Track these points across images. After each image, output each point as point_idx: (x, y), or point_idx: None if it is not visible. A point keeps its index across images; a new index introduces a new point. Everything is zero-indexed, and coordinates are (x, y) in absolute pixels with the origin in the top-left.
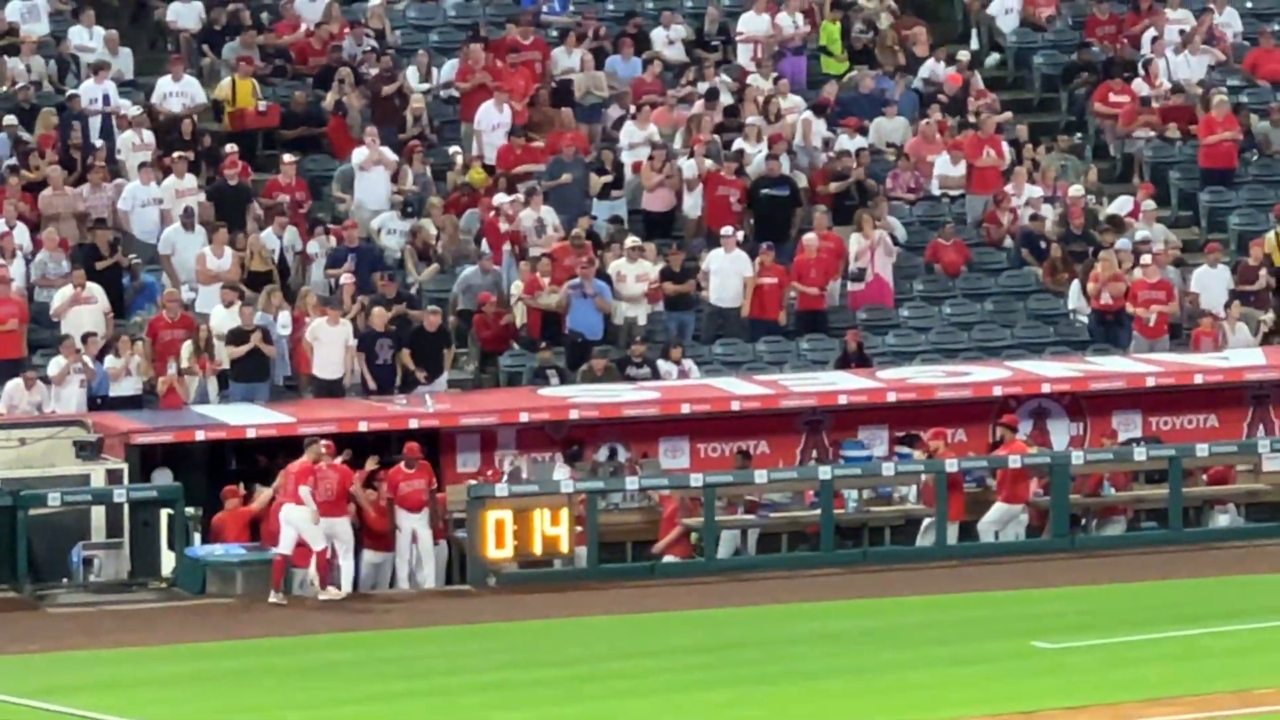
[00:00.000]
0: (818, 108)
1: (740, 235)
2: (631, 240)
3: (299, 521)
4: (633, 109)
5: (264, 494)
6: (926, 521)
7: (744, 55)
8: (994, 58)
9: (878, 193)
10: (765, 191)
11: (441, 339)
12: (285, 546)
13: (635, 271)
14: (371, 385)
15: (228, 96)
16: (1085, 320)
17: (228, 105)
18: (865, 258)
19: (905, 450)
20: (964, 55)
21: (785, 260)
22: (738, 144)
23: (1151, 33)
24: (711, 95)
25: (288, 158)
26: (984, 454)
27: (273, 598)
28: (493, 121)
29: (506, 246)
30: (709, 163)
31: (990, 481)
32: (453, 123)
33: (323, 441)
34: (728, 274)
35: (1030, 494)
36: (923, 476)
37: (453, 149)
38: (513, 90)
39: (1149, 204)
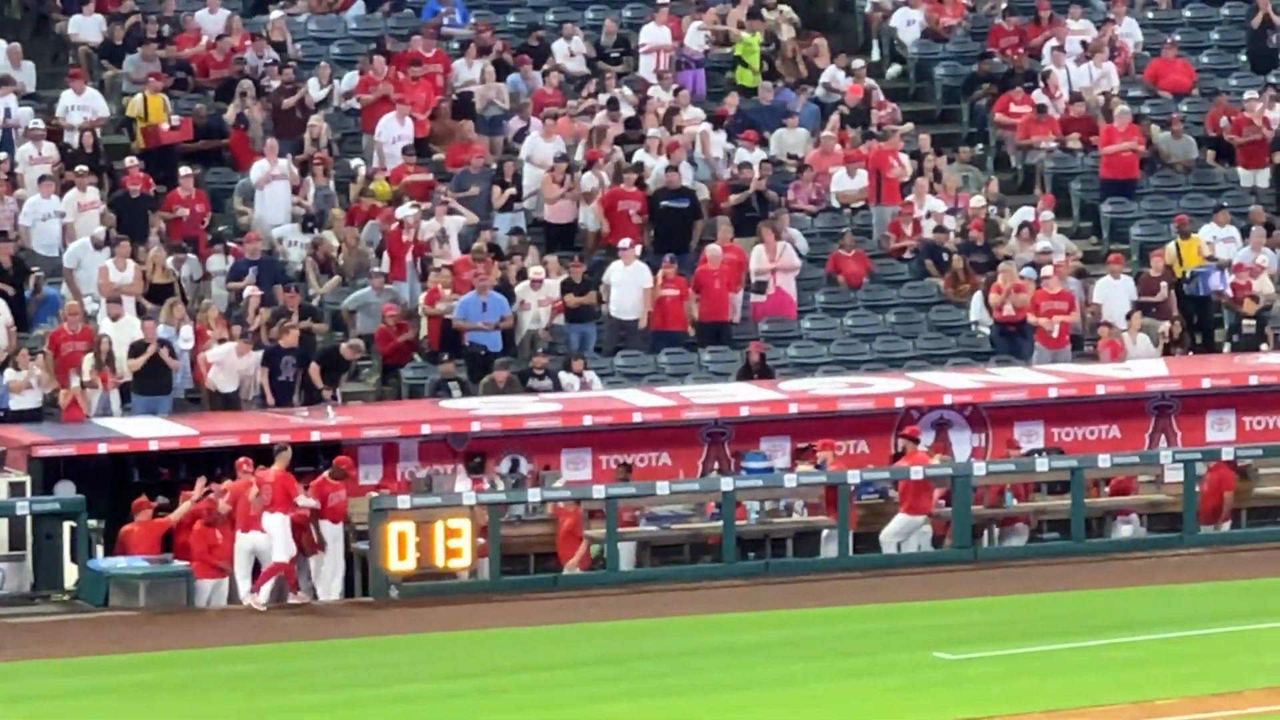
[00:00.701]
0: (718, 120)
1: (639, 248)
2: (535, 271)
3: (279, 530)
4: (535, 121)
5: (183, 506)
6: (825, 533)
7: (645, 67)
8: (895, 69)
9: (779, 204)
10: (665, 204)
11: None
12: (281, 554)
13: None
14: (270, 400)
15: (140, 113)
16: (987, 331)
17: (140, 121)
18: (766, 272)
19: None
20: (859, 64)
21: (687, 272)
22: (638, 156)
23: (1053, 43)
24: (612, 106)
25: (185, 171)
26: (886, 465)
27: (296, 598)
28: (393, 134)
29: (409, 259)
30: (606, 175)
31: (892, 493)
32: (354, 135)
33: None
34: (628, 286)
35: (932, 505)
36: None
37: (355, 161)
38: (414, 103)
39: (1049, 215)
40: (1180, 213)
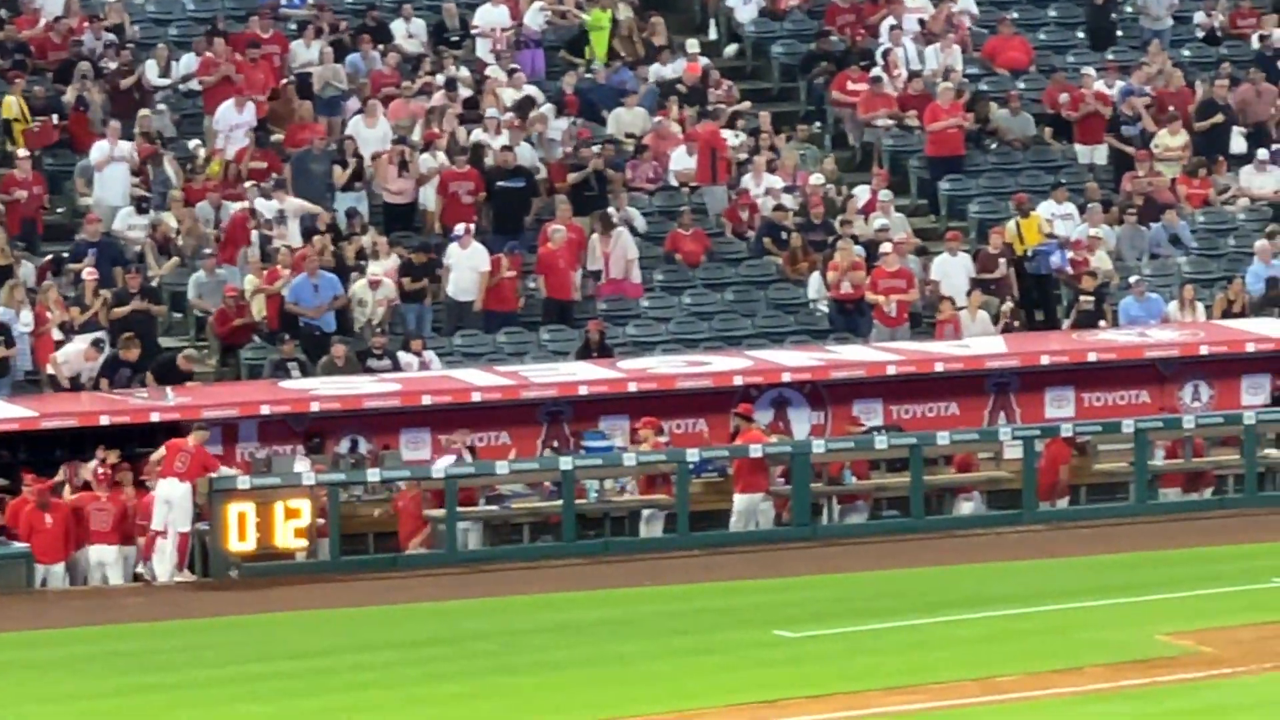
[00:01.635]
0: (556, 99)
1: (472, 228)
2: (372, 270)
3: (179, 500)
4: (369, 102)
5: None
6: (647, 512)
7: (482, 48)
8: (732, 48)
9: (617, 183)
10: (501, 184)
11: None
12: (182, 525)
13: (376, 267)
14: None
15: (16, 115)
16: (825, 309)
17: (18, 124)
18: (602, 260)
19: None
20: (694, 45)
21: (525, 251)
22: (476, 136)
23: (890, 21)
24: (449, 87)
25: (22, 153)
26: (725, 444)
27: (183, 576)
28: (232, 120)
29: (250, 240)
30: (444, 156)
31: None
32: (193, 116)
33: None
34: (464, 267)
35: (768, 483)
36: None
37: (193, 143)
38: (253, 84)
39: (886, 193)
40: (1018, 190)
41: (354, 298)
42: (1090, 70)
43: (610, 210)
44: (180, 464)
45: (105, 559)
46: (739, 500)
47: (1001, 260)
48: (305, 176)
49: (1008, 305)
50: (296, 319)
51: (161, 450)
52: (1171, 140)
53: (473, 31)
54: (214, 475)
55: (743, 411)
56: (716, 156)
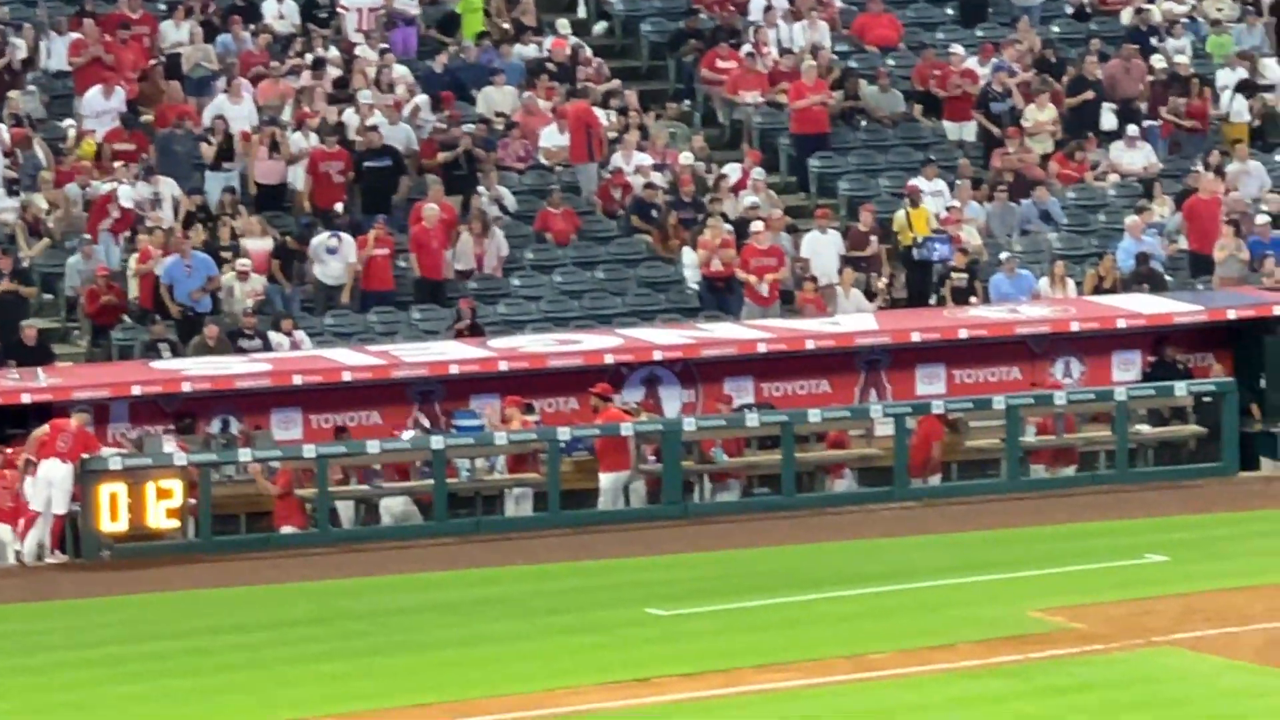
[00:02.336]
0: (427, 78)
1: (342, 207)
2: (241, 263)
3: (60, 480)
4: (234, 82)
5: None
6: (518, 491)
7: (350, 26)
8: (602, 25)
9: (487, 163)
10: (368, 164)
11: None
12: (60, 506)
13: (249, 245)
14: None
15: None
16: (696, 287)
17: None
18: (474, 259)
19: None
20: (564, 23)
21: (397, 230)
22: (346, 115)
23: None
24: (318, 66)
25: None
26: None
27: (55, 558)
28: (99, 106)
29: (110, 222)
30: (315, 137)
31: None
32: (63, 97)
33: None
34: (337, 246)
35: (632, 461)
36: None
37: (66, 122)
38: (123, 65)
39: (757, 171)
40: (888, 167)
41: (224, 287)
42: (959, 48)
43: (484, 205)
44: (63, 444)
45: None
46: (604, 479)
47: (872, 237)
48: (171, 157)
49: (883, 281)
50: (169, 299)
51: (44, 429)
52: (1041, 115)
53: (338, 10)
54: (91, 455)
55: (600, 391)
56: (591, 134)
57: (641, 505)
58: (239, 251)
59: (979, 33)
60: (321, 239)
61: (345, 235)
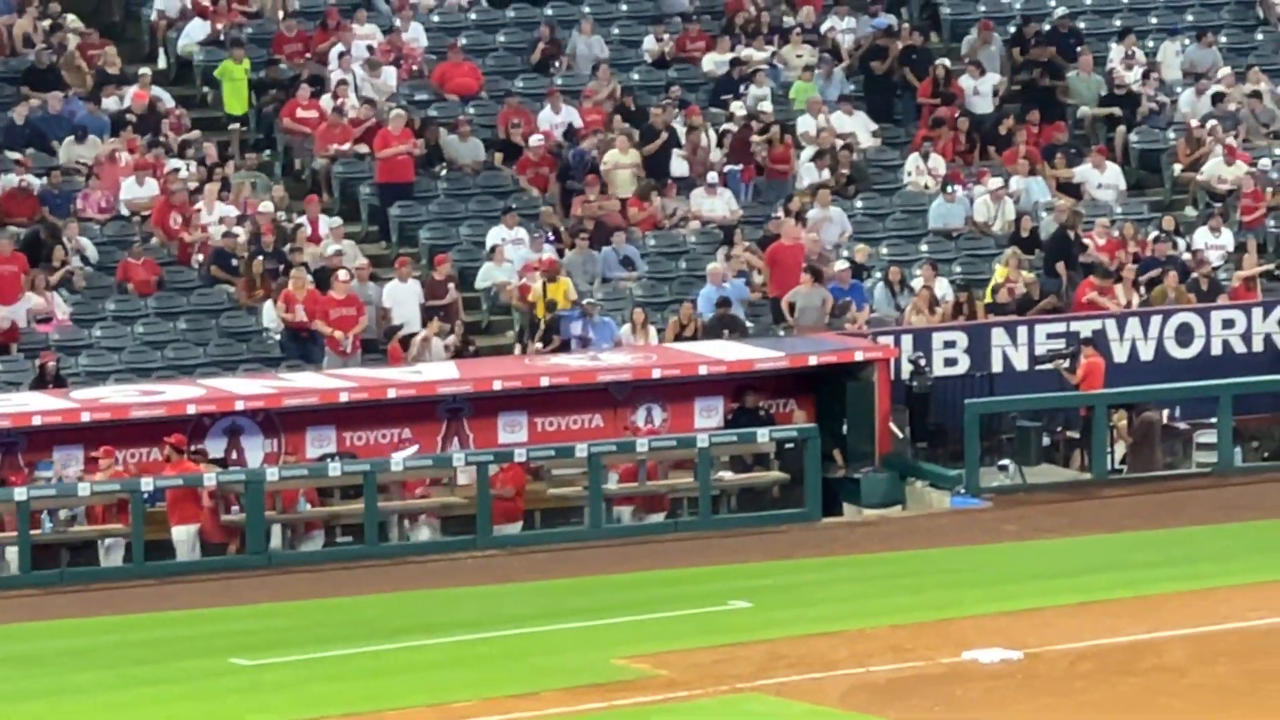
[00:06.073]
0: (7, 130)
1: None
2: None
3: None
4: None
5: None
6: (109, 541)
7: None
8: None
9: (68, 214)
10: None
11: None
12: None
13: None
14: None
15: None
16: (279, 337)
17: None
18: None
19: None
20: (145, 72)
21: None
22: None
23: (339, 48)
24: None
25: None
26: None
27: None
28: None
29: None
30: None
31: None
32: None
33: None
34: None
35: (200, 514)
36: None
37: None
38: None
39: (336, 220)
40: (468, 215)
41: None
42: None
43: (67, 256)
44: None
45: None
46: (176, 531)
47: (450, 285)
48: None
49: (457, 331)
50: None
51: None
52: (614, 168)
53: None
54: None
55: (174, 442)
56: (168, 185)
57: (223, 555)
58: None
59: (559, 81)
60: None
61: None
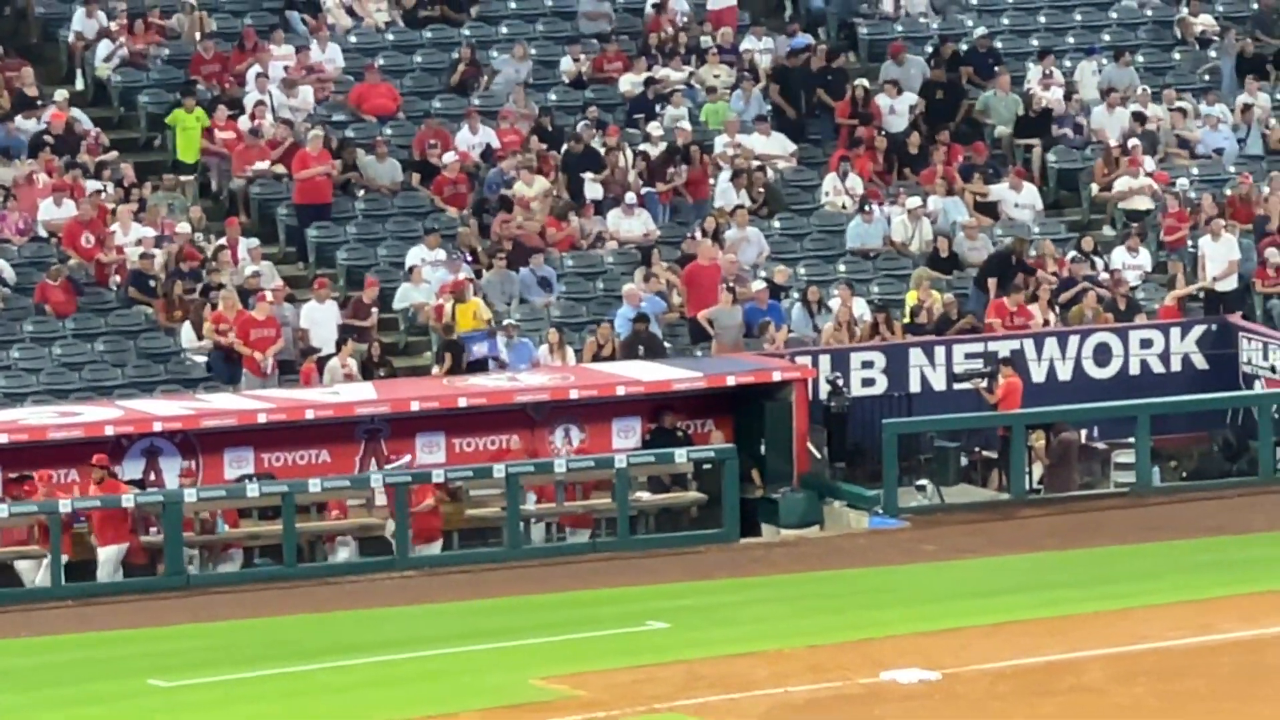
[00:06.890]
0: None
1: None
2: None
3: None
4: None
5: None
6: (28, 564)
7: None
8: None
9: None
10: None
11: None
12: None
13: None
14: None
15: None
16: (198, 359)
17: None
18: None
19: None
20: (61, 94)
21: None
22: None
23: (256, 70)
24: None
25: None
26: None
27: None
28: None
29: None
30: None
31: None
32: None
33: None
34: None
35: (127, 535)
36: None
37: None
38: None
39: (254, 241)
40: (386, 236)
41: None
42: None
43: None
44: None
45: None
46: (102, 552)
47: (374, 309)
48: None
49: (374, 351)
50: None
51: None
52: (530, 191)
53: None
54: None
55: (98, 463)
56: (88, 206)
57: (144, 577)
58: None
59: (476, 101)
60: None
61: None
